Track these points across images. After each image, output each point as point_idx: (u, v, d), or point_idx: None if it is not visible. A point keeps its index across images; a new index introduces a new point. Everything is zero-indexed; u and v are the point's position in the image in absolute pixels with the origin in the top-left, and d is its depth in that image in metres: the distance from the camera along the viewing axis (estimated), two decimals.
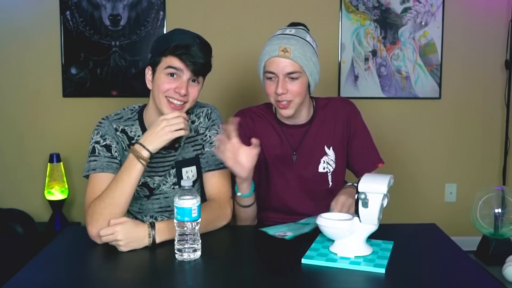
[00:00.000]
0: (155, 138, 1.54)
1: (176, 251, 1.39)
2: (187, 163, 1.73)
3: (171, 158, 1.71)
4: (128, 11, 3.17)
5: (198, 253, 1.39)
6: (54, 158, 3.10)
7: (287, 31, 1.74)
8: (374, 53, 3.30)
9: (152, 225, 1.47)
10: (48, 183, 3.10)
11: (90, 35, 3.18)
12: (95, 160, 1.61)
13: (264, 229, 1.58)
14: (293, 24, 1.80)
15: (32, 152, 3.25)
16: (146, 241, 1.45)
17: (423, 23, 3.30)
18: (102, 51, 3.19)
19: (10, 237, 2.72)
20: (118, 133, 1.67)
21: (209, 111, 1.76)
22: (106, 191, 1.51)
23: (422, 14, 3.29)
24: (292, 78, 1.69)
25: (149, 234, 1.45)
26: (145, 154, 1.53)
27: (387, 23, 3.29)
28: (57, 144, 3.24)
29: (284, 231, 1.55)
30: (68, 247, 1.54)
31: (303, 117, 1.83)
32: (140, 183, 1.70)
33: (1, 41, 3.19)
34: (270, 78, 1.72)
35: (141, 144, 1.54)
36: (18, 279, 1.28)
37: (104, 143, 1.63)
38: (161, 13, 3.19)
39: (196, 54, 1.57)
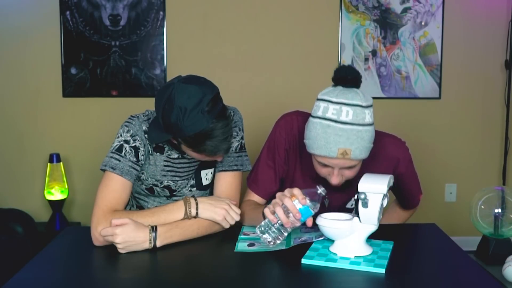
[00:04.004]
0: (209, 210, 1.53)
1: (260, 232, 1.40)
2: (207, 165, 1.72)
3: (196, 162, 1.69)
4: (128, 11, 3.17)
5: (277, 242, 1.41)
6: (54, 158, 3.10)
7: (344, 116, 1.45)
8: (374, 53, 3.30)
9: (154, 229, 1.46)
10: (48, 183, 3.10)
11: (90, 35, 3.18)
12: (119, 160, 1.56)
13: (240, 249, 1.47)
14: (343, 79, 1.50)
15: (32, 152, 3.25)
16: (146, 245, 1.44)
17: (423, 23, 3.30)
18: (102, 51, 3.19)
19: (10, 237, 2.72)
20: (146, 135, 1.62)
21: (232, 114, 1.69)
22: (136, 215, 1.49)
23: (422, 14, 3.29)
24: (349, 168, 1.53)
25: (150, 238, 1.44)
26: (193, 213, 1.53)
27: (387, 23, 3.29)
28: (57, 144, 3.24)
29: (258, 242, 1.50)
30: (68, 247, 1.53)
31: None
32: (163, 185, 1.70)
33: (1, 41, 3.19)
34: (323, 165, 1.54)
35: (196, 204, 1.53)
36: (18, 279, 1.28)
37: (134, 144, 1.58)
38: (161, 13, 3.19)
39: (222, 147, 1.50)
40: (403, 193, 1.82)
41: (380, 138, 1.65)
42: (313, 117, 1.52)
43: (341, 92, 1.48)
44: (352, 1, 3.26)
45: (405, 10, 3.28)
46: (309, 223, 1.40)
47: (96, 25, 3.17)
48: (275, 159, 1.71)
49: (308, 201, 1.38)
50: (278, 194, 1.42)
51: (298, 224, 1.40)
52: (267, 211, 1.40)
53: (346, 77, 1.50)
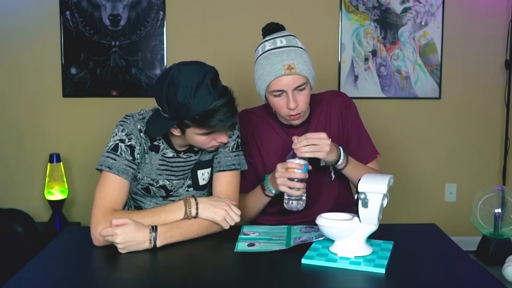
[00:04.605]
0: (209, 211, 1.54)
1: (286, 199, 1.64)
2: (203, 165, 1.72)
3: (191, 162, 1.70)
4: (128, 11, 3.17)
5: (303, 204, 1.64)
6: (54, 158, 3.10)
7: (279, 43, 1.70)
8: (374, 53, 3.30)
9: (154, 229, 1.46)
10: (48, 183, 3.10)
11: (90, 35, 3.18)
12: (114, 160, 1.56)
13: (240, 249, 1.48)
14: (270, 29, 1.76)
15: (32, 152, 3.25)
16: (146, 245, 1.44)
17: (423, 23, 3.30)
18: (102, 51, 3.19)
19: (10, 237, 2.72)
20: (141, 134, 1.62)
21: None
22: (136, 215, 1.49)
23: (422, 14, 3.29)
24: (300, 90, 1.69)
25: (150, 238, 1.44)
26: (193, 213, 1.53)
27: (387, 23, 3.29)
28: (57, 144, 3.24)
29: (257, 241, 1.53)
30: (68, 247, 1.54)
31: (304, 115, 1.83)
32: (158, 185, 1.70)
33: (1, 41, 3.19)
34: (277, 96, 1.71)
35: (196, 204, 1.53)
36: (18, 279, 1.28)
37: (129, 143, 1.59)
38: (161, 13, 3.19)
39: (229, 121, 1.51)
40: (356, 140, 1.88)
41: (321, 96, 1.91)
42: (255, 60, 1.75)
43: (272, 35, 1.74)
44: (352, 1, 3.26)
45: (405, 10, 3.28)
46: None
47: (96, 25, 3.17)
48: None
49: (301, 161, 1.60)
50: (279, 175, 1.61)
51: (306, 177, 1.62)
52: (287, 191, 1.61)
53: (272, 27, 1.76)
